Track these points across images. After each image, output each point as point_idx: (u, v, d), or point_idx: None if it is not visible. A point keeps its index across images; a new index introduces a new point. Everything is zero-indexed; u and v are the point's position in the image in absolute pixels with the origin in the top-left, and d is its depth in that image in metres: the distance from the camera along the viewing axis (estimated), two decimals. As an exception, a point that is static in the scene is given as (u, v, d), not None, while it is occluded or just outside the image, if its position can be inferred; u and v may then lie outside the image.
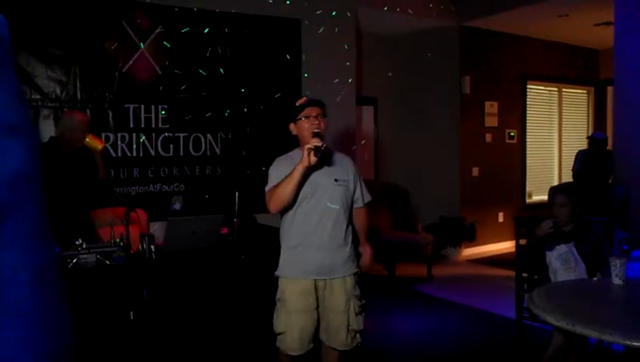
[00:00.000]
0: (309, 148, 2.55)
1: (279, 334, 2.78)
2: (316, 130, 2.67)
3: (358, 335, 2.83)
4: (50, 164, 3.45)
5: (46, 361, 0.50)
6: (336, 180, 2.75)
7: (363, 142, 5.87)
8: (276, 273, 2.82)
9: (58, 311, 0.53)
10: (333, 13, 5.45)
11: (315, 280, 2.74)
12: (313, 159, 2.55)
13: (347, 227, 2.81)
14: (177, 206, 4.36)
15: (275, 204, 2.71)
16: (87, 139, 3.62)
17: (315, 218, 2.73)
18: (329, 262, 2.74)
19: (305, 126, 2.72)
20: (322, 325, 2.79)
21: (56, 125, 4.05)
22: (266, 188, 2.77)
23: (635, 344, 2.03)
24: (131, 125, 4.56)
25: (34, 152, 0.52)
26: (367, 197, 2.97)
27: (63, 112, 4.04)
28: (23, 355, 0.48)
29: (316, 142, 2.56)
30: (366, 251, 2.95)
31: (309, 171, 2.66)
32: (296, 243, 2.77)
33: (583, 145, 6.81)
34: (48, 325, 0.51)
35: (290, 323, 2.73)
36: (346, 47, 5.49)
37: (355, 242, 2.93)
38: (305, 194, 2.73)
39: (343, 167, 2.83)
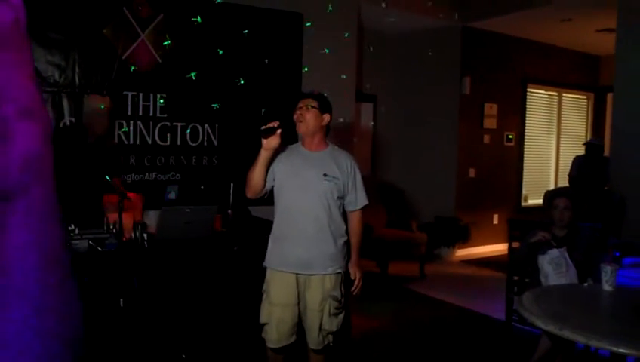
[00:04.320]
0: (261, 130, 2.65)
1: (263, 325, 2.80)
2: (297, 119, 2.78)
3: (330, 336, 2.81)
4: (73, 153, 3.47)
5: (52, 342, 0.50)
6: (325, 175, 2.74)
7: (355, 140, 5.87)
8: (264, 263, 2.85)
9: (65, 294, 0.53)
10: (335, 8, 5.44)
11: (296, 274, 2.74)
12: (273, 141, 2.63)
13: (334, 224, 2.77)
14: (172, 195, 4.36)
15: (246, 187, 2.80)
16: None
17: (298, 211, 2.74)
18: (308, 257, 2.72)
19: (293, 117, 2.81)
20: (302, 321, 2.81)
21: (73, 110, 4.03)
22: None
23: (622, 350, 2.04)
24: (129, 113, 4.54)
25: (46, 135, 0.52)
26: (363, 201, 2.88)
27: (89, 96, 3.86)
28: (28, 334, 0.49)
29: (270, 124, 2.64)
30: (356, 277, 2.86)
31: (273, 157, 2.74)
32: (280, 235, 2.79)
33: (581, 150, 6.81)
34: (55, 307, 0.52)
35: (271, 315, 2.76)
36: (346, 35, 5.48)
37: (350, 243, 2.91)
38: (290, 187, 2.75)
39: (338, 163, 2.81)
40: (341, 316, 2.84)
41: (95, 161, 3.54)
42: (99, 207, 3.65)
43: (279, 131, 2.64)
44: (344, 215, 2.88)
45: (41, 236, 0.48)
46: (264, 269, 2.85)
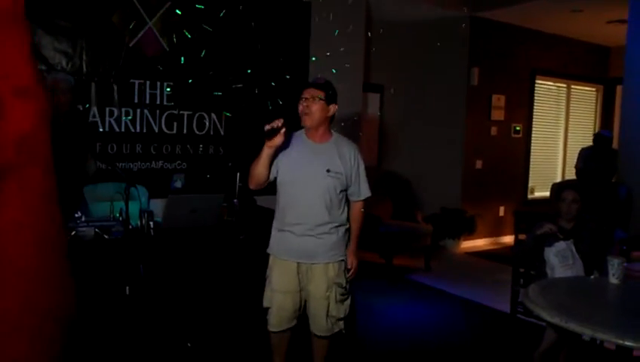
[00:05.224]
0: (264, 132, 2.61)
1: (267, 309, 2.85)
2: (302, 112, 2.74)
3: (340, 323, 2.85)
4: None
5: (46, 321, 0.50)
6: (328, 170, 2.74)
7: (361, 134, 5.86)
8: (267, 250, 2.88)
9: (61, 271, 0.53)
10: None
11: (298, 262, 2.77)
12: (276, 140, 2.61)
13: (336, 216, 2.78)
14: (178, 184, 4.37)
15: (249, 179, 2.80)
16: None
17: (301, 204, 2.75)
18: (311, 247, 2.74)
19: (298, 107, 2.78)
20: (307, 309, 2.83)
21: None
22: None
23: (628, 343, 2.03)
24: (136, 101, 4.54)
25: (42, 115, 0.51)
26: (366, 193, 2.90)
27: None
28: (22, 313, 0.48)
29: (274, 124, 2.60)
30: (352, 266, 2.88)
31: (286, 152, 2.75)
32: (283, 226, 2.80)
33: (589, 143, 6.76)
34: (50, 287, 0.51)
35: (272, 300, 2.81)
36: (353, 24, 5.44)
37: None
38: (294, 180, 2.76)
39: (341, 155, 2.80)
40: (347, 302, 2.88)
41: (74, 144, 3.47)
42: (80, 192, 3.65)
43: (283, 130, 2.61)
44: (347, 202, 2.89)
45: (36, 216, 0.48)
46: (269, 257, 2.87)
